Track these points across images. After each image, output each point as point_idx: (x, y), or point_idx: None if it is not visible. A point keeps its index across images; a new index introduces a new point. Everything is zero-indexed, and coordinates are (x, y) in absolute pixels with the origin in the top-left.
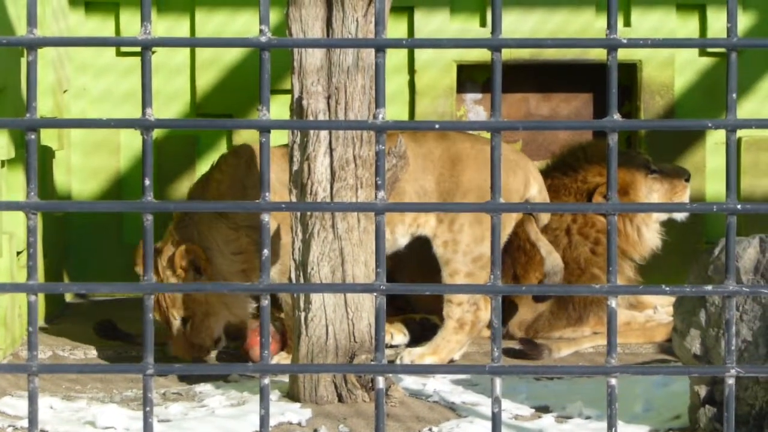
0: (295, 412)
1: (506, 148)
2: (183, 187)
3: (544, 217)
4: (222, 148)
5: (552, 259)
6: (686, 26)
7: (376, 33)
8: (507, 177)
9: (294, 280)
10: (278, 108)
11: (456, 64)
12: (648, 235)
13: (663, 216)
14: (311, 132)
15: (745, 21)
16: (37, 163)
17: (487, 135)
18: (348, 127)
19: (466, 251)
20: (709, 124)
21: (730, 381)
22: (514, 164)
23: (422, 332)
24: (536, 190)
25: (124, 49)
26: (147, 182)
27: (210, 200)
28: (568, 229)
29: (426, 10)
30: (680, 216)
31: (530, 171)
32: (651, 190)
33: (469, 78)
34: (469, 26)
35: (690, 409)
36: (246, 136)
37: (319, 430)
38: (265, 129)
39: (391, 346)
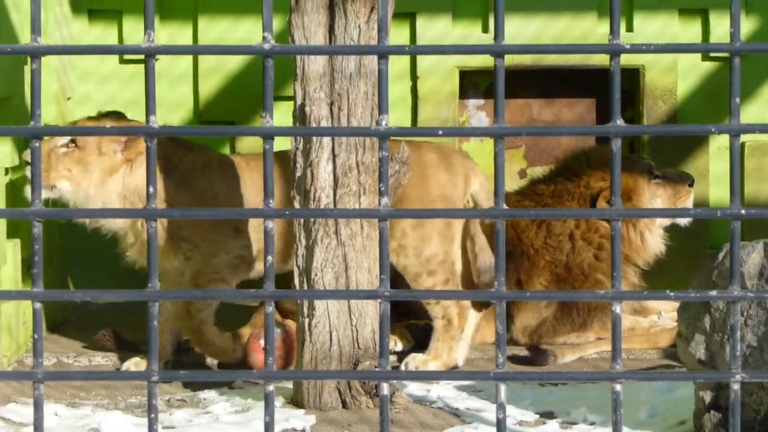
0: (300, 419)
1: (443, 147)
2: None
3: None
4: None
5: (483, 255)
6: (689, 31)
7: (378, 39)
8: (445, 175)
9: (298, 287)
10: (281, 115)
11: (458, 70)
12: (651, 240)
13: (666, 221)
14: (314, 138)
15: (748, 25)
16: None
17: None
18: (351, 134)
19: (416, 254)
20: (713, 129)
21: (735, 386)
22: (452, 162)
23: (426, 338)
24: (478, 186)
25: (127, 56)
26: (151, 190)
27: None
28: (571, 235)
29: (428, 16)
30: (684, 221)
31: (470, 168)
32: (654, 195)
33: (472, 84)
34: (471, 32)
35: (695, 414)
36: (249, 144)
37: None
38: (268, 136)
39: (395, 353)
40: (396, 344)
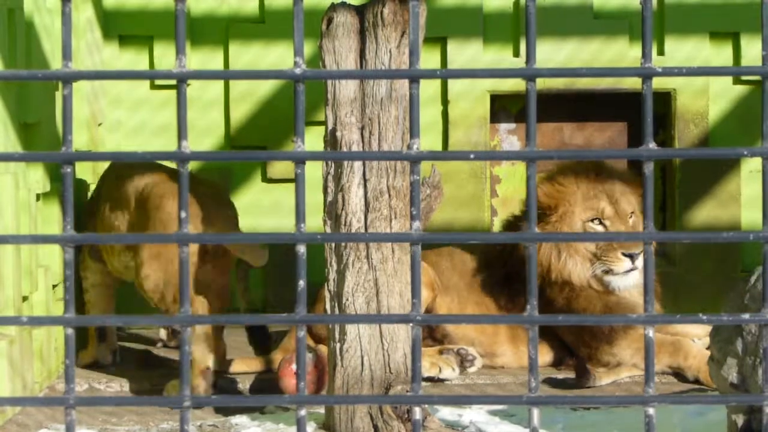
0: None
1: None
2: None
3: None
4: (256, 180)
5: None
6: (720, 54)
7: (410, 63)
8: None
9: (329, 311)
10: (312, 139)
11: (489, 94)
12: (571, 266)
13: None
14: (345, 163)
15: None
16: (73, 197)
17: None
18: (383, 158)
19: (154, 290)
20: (745, 152)
21: None
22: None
23: (461, 363)
24: None
25: (158, 82)
26: (183, 215)
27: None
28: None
29: (459, 40)
30: (618, 285)
31: None
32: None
33: (503, 108)
34: (502, 56)
35: None
36: (280, 168)
37: None
38: (300, 160)
39: (439, 380)
40: (440, 372)
